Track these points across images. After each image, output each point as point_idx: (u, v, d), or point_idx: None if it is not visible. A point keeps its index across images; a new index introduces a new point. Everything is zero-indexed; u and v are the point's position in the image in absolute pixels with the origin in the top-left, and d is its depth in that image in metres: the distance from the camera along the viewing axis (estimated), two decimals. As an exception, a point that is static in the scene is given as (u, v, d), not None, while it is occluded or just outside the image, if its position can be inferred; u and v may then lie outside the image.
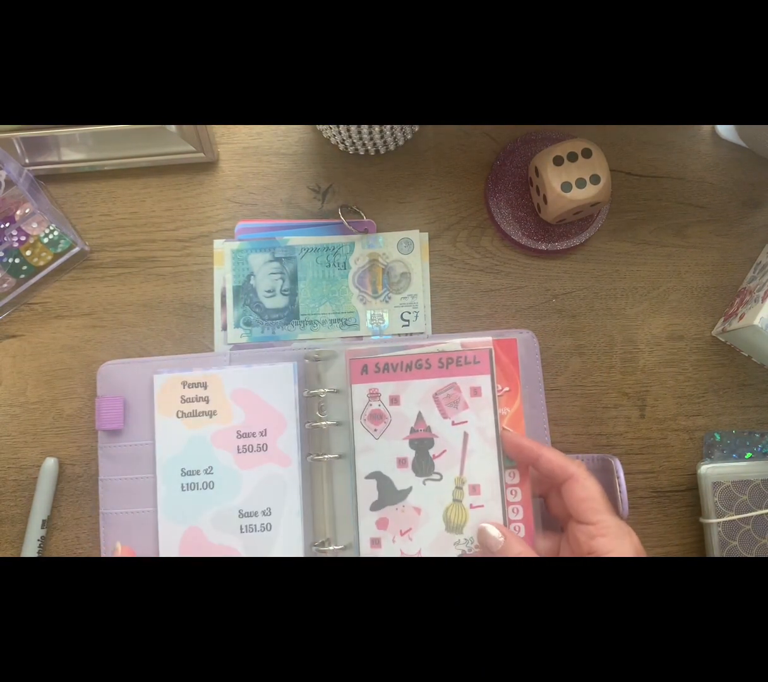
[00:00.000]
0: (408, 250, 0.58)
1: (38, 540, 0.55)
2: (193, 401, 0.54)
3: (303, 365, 0.54)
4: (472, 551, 0.48)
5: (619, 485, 0.50)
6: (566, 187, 0.53)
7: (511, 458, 0.49)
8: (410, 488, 0.50)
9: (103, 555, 0.54)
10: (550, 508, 0.50)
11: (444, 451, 0.50)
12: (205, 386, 0.54)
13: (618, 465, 0.51)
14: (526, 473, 0.49)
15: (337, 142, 0.58)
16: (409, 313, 0.57)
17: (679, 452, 0.57)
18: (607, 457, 0.53)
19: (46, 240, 0.56)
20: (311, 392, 0.53)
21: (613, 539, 0.43)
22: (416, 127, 0.58)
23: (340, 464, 0.53)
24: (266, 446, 0.54)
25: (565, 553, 0.47)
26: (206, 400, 0.54)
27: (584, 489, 0.45)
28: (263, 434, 0.54)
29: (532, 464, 0.48)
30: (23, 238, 0.56)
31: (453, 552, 0.49)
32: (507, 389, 0.50)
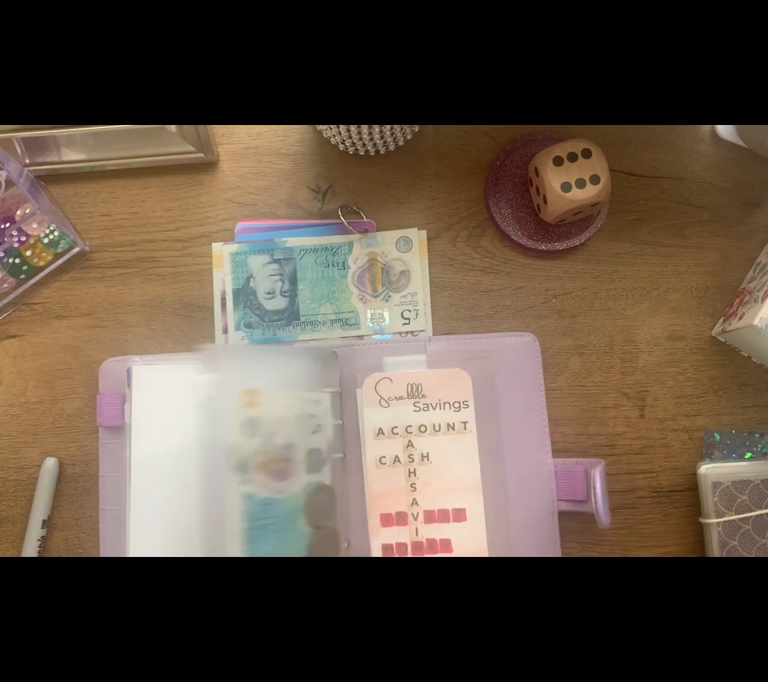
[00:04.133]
0: (407, 248, 0.58)
1: (38, 540, 0.55)
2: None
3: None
4: None
5: (595, 496, 0.48)
6: (566, 187, 0.53)
7: None
8: None
9: (102, 553, 0.54)
10: None
11: None
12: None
13: (597, 473, 0.49)
14: None
15: (337, 142, 0.58)
16: (410, 311, 0.57)
17: (678, 452, 0.57)
18: (592, 462, 0.51)
19: (46, 240, 0.56)
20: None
21: None
22: (416, 127, 0.58)
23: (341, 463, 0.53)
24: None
25: None
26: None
27: None
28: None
29: None
30: (23, 239, 0.56)
31: None
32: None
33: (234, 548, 0.48)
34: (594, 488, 0.49)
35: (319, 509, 0.51)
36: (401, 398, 0.53)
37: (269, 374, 0.51)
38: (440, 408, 0.53)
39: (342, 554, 0.52)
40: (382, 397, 0.53)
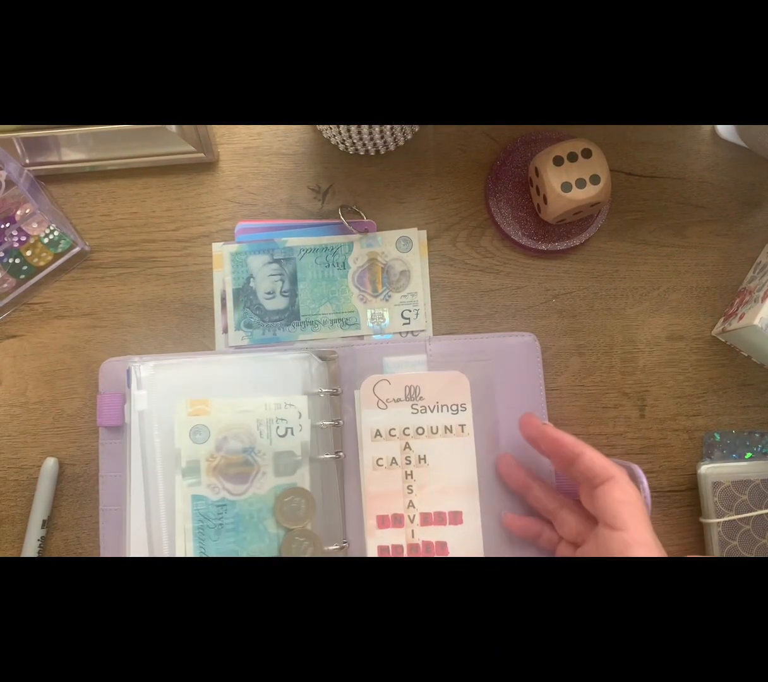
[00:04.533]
0: (407, 248, 0.58)
1: (38, 540, 0.55)
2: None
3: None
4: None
5: (645, 497, 0.46)
6: (566, 187, 0.53)
7: (546, 454, 0.48)
8: None
9: (102, 553, 0.54)
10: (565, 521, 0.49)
11: None
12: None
13: (641, 473, 0.48)
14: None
15: (337, 142, 0.58)
16: (410, 311, 0.57)
17: (679, 451, 0.57)
18: (628, 464, 0.50)
19: (46, 240, 0.56)
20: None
21: (651, 550, 0.40)
22: (416, 127, 0.58)
23: (336, 463, 0.53)
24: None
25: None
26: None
27: (624, 492, 0.43)
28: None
29: (570, 462, 0.46)
30: (23, 239, 0.56)
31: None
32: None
33: (186, 545, 0.50)
34: (641, 483, 0.47)
35: (289, 511, 0.51)
36: (399, 399, 0.53)
37: (222, 383, 0.53)
38: (438, 411, 0.53)
39: (331, 556, 0.52)
40: (380, 398, 0.53)
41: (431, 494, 0.52)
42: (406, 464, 0.53)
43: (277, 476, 0.51)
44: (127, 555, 0.51)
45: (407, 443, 0.53)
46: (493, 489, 0.53)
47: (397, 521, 0.52)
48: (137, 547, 0.51)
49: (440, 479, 0.52)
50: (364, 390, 0.53)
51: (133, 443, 0.51)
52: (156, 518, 0.51)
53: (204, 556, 0.50)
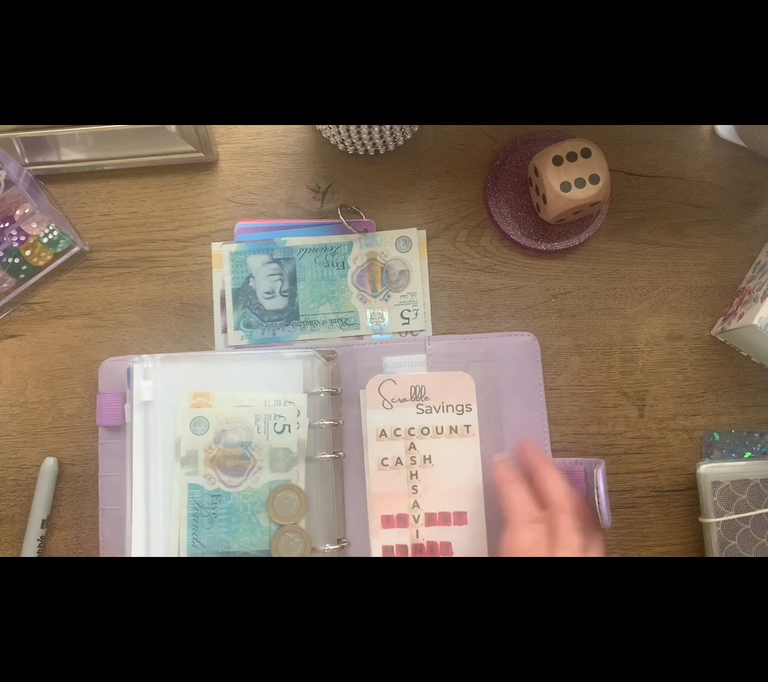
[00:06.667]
0: (406, 248, 0.58)
1: (38, 540, 0.55)
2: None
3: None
4: None
5: (598, 496, 0.48)
6: (566, 187, 0.53)
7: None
8: None
9: (102, 553, 0.54)
10: None
11: None
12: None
13: (599, 473, 0.48)
14: None
15: (337, 142, 0.58)
16: (409, 310, 0.57)
17: (678, 451, 0.57)
18: (598, 462, 0.50)
19: (45, 240, 0.56)
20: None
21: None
22: (416, 127, 0.58)
23: (335, 463, 0.53)
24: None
25: None
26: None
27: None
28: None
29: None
30: (23, 238, 0.56)
31: None
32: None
33: (180, 531, 0.51)
34: (597, 488, 0.48)
35: (281, 507, 0.51)
36: (404, 399, 0.53)
37: (225, 378, 0.53)
38: (443, 411, 0.53)
39: (320, 555, 0.52)
40: (385, 398, 0.53)
41: (436, 495, 0.52)
42: (411, 464, 0.53)
43: (272, 471, 0.52)
44: (129, 549, 0.51)
45: (412, 443, 0.53)
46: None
47: (402, 521, 0.52)
48: (138, 541, 0.51)
49: (445, 480, 0.52)
50: (369, 390, 0.53)
51: (136, 433, 0.52)
52: (154, 504, 0.51)
53: (196, 542, 0.51)
